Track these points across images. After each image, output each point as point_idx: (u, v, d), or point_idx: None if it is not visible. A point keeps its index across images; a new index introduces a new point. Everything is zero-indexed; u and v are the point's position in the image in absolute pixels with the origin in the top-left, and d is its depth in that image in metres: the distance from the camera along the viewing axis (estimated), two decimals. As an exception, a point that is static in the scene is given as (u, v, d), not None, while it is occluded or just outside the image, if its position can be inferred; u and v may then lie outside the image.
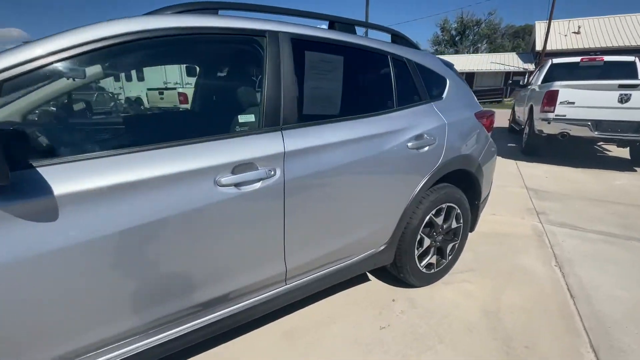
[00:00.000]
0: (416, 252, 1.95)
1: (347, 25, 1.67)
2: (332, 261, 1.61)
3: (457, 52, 42.67)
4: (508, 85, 8.50)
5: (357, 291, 2.07)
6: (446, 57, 28.87)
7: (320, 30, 1.51)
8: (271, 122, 1.30)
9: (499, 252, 2.57)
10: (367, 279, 2.19)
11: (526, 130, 6.16)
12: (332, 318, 1.81)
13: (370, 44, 1.67)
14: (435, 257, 2.09)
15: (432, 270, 2.09)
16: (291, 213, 1.33)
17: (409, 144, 1.68)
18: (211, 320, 1.27)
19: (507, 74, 22.33)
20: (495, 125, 9.47)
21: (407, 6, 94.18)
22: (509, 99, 19.43)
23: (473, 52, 39.08)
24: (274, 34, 1.35)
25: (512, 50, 36.68)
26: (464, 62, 26.04)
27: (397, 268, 1.97)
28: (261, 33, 1.33)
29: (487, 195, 2.45)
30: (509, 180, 4.56)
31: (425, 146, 1.76)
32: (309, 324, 1.77)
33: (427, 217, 1.92)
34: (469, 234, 2.42)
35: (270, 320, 1.77)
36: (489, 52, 32.39)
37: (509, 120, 9.25)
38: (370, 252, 1.77)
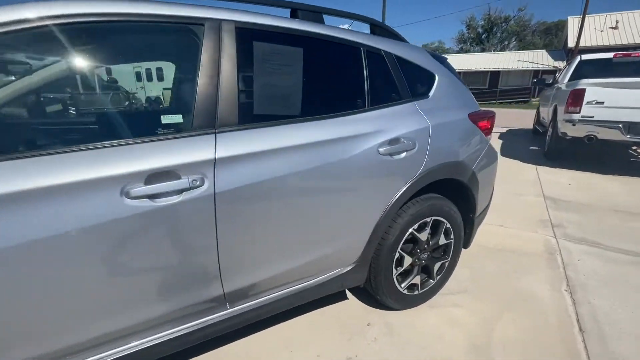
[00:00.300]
0: (394, 271, 1.71)
1: (313, 14, 1.47)
2: (286, 283, 1.41)
3: (483, 50, 41.09)
4: (532, 84, 7.90)
5: (328, 312, 1.85)
6: (472, 56, 27.82)
7: (276, 18, 1.32)
8: (203, 124, 1.12)
9: (500, 271, 2.27)
10: (344, 297, 1.97)
11: (549, 132, 5.67)
12: (289, 345, 1.61)
13: (338, 35, 1.46)
14: (419, 277, 1.84)
15: (416, 292, 1.85)
16: (226, 230, 1.15)
17: (381, 150, 1.45)
18: (127, 352, 1.10)
19: (536, 73, 21.10)
20: (520, 126, 9.00)
21: (430, 4, 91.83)
22: (536, 98, 18.37)
23: (501, 50, 37.44)
24: (214, 23, 1.17)
25: (544, 47, 34.82)
26: (488, 60, 24.96)
27: (373, 289, 1.74)
28: (198, 21, 1.15)
29: (487, 208, 2.16)
30: (525, 187, 4.17)
31: (402, 152, 1.52)
32: (258, 353, 1.57)
33: (408, 233, 1.68)
34: (466, 249, 2.15)
35: (210, 347, 1.58)
36: (518, 50, 30.84)
37: (534, 121, 8.66)
38: (336, 272, 1.55)
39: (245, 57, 1.23)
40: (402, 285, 1.78)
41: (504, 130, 9.61)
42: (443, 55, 2.06)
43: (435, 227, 1.82)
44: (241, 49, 1.21)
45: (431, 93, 1.73)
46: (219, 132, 1.14)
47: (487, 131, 1.96)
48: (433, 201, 1.72)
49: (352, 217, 1.47)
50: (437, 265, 1.91)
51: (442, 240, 1.86)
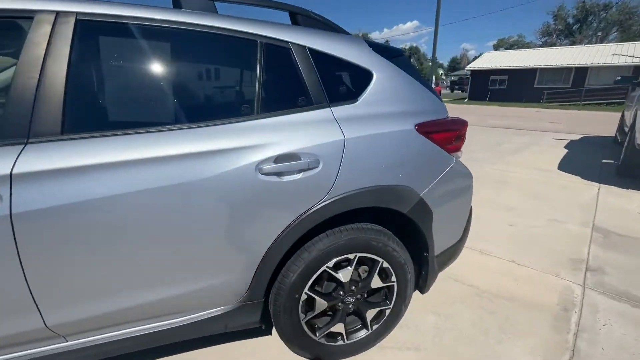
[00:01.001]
0: (302, 315, 1.39)
1: (201, 2, 1.23)
2: (141, 319, 1.20)
3: (573, 43, 35.70)
4: (615, 82, 6.45)
5: (243, 347, 1.60)
6: (552, 50, 24.08)
7: (134, 8, 1.11)
8: (8, 134, 0.97)
9: (479, 326, 1.76)
10: (260, 334, 1.69)
11: (625, 142, 4.52)
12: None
13: (221, 25, 1.19)
14: (342, 324, 1.48)
15: (340, 342, 1.49)
16: (32, 256, 0.98)
17: (264, 167, 1.15)
18: None
19: (637, 69, 17.43)
20: (601, 133, 7.64)
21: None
22: (636, 100, 15.19)
23: (598, 42, 31.97)
24: (47, 15, 1.01)
25: (655, 38, 28.76)
26: (574, 54, 21.51)
27: (278, 334, 1.44)
28: (26, 14, 1.00)
29: (458, 245, 1.67)
30: (570, 212, 3.33)
31: (296, 172, 1.19)
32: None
33: (320, 271, 1.34)
34: (424, 294, 1.71)
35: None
36: (619, 42, 25.92)
37: (617, 128, 7.09)
38: (216, 311, 1.29)
39: (85, 54, 1.05)
40: (318, 333, 1.44)
41: (577, 137, 8.10)
42: (398, 48, 1.63)
43: (366, 266, 1.44)
44: (79, 46, 1.03)
45: (362, 96, 1.35)
46: (31, 143, 0.97)
47: (452, 146, 1.50)
48: (356, 234, 1.35)
49: (226, 249, 1.19)
50: (372, 313, 1.52)
51: (377, 283, 1.47)
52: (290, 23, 1.43)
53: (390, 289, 1.52)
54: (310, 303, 1.40)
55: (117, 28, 1.07)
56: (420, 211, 1.43)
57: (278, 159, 1.17)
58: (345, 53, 1.35)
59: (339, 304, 1.44)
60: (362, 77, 1.37)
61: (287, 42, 1.27)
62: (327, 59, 1.32)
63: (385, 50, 1.47)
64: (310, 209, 1.23)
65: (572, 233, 2.87)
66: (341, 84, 1.36)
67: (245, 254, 1.23)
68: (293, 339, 1.41)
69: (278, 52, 1.26)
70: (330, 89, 1.31)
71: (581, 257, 2.47)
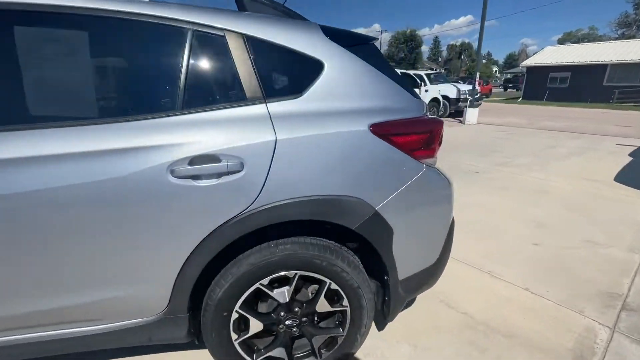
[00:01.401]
0: (234, 335, 1.24)
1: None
2: (46, 324, 1.12)
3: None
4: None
5: (169, 358, 1.50)
6: (625, 43, 20.84)
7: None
8: None
9: (461, 366, 1.47)
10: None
11: None
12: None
13: (148, 11, 1.07)
14: (283, 349, 1.31)
15: (282, 369, 1.32)
16: None
17: (176, 170, 1.02)
18: None
19: None
20: None
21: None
22: None
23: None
24: None
25: None
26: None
27: (210, 353, 1.31)
28: None
29: (433, 269, 1.40)
30: (618, 233, 2.78)
31: (215, 176, 1.05)
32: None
33: (253, 288, 1.19)
34: (388, 322, 1.47)
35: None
36: None
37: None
38: (136, 322, 1.19)
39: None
40: (255, 355, 1.29)
41: (647, 144, 6.92)
42: (365, 35, 1.38)
43: (317, 285, 1.26)
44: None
45: (308, 90, 1.16)
46: None
47: (421, 151, 1.24)
48: (296, 249, 1.17)
49: (137, 257, 1.08)
50: (319, 339, 1.33)
51: (325, 306, 1.27)
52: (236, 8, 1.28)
53: (343, 314, 1.31)
54: (242, 323, 1.25)
55: (27, 16, 1.01)
56: (375, 228, 1.20)
57: (193, 160, 1.03)
58: (292, 41, 1.17)
59: (280, 326, 1.28)
60: (310, 69, 1.17)
61: (222, 30, 1.12)
62: (269, 48, 1.15)
63: (345, 37, 1.25)
64: (232, 218, 1.08)
65: (614, 259, 2.37)
66: (284, 76, 1.19)
67: (159, 265, 1.11)
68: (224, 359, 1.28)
69: (210, 41, 1.12)
70: (269, 82, 1.14)
71: (618, 291, 2.01)
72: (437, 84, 12.09)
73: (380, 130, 1.17)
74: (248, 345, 1.30)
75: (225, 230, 1.09)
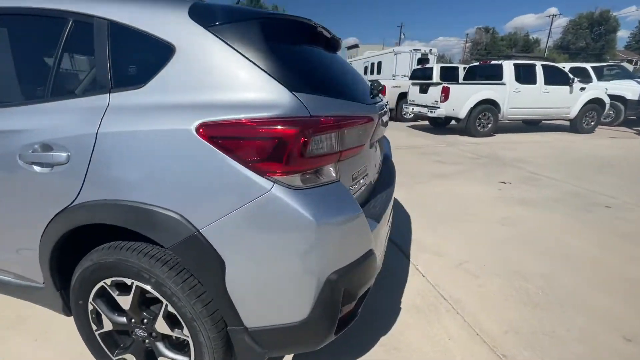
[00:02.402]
0: (92, 325, 1.24)
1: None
2: None
3: None
4: None
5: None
6: None
7: None
8: None
9: None
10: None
11: None
12: None
13: (29, 4, 1.13)
14: (133, 356, 1.22)
15: (137, 377, 1.25)
16: None
17: (22, 154, 1.06)
18: None
19: None
20: None
21: None
22: None
23: None
24: None
25: None
26: None
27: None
28: None
29: (299, 329, 1.00)
30: None
31: (49, 165, 1.04)
32: None
33: (99, 285, 1.15)
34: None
35: None
36: None
37: None
38: (26, 283, 1.33)
39: None
40: (115, 351, 1.26)
41: None
42: (250, 9, 1.04)
43: (151, 302, 1.12)
44: None
45: (153, 79, 0.98)
46: None
47: (268, 163, 0.88)
48: (127, 256, 1.05)
49: (6, 233, 1.20)
50: (166, 361, 1.18)
51: (165, 329, 1.11)
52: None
53: (188, 344, 1.12)
54: (97, 316, 1.23)
55: None
56: (197, 253, 0.95)
57: (35, 147, 1.06)
58: (147, 23, 1.03)
59: (132, 332, 1.20)
60: (160, 54, 1.00)
61: (92, 17, 1.09)
62: (128, 33, 1.04)
63: (213, 15, 1.01)
64: (63, 210, 1.06)
65: None
66: (134, 64, 1.06)
67: (24, 243, 1.20)
68: (89, 346, 1.29)
69: (83, 30, 1.10)
70: (120, 71, 1.05)
71: None
72: (610, 80, 8.97)
73: (210, 131, 0.90)
74: (115, 340, 1.28)
75: (59, 220, 1.08)
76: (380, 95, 1.80)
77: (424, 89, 8.22)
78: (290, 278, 0.96)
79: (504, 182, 4.11)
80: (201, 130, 0.91)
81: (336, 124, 0.99)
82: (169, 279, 1.02)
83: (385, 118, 1.74)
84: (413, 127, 9.53)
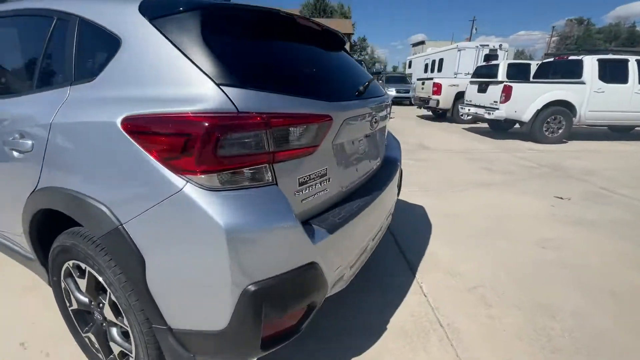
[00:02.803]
0: (66, 302, 1.33)
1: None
2: None
3: None
4: None
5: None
6: None
7: None
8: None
9: None
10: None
11: None
12: None
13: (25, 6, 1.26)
14: (94, 336, 1.28)
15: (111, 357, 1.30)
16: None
17: (9, 140, 1.19)
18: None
19: None
20: None
21: None
22: None
23: None
24: None
25: None
26: None
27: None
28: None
29: (219, 336, 0.93)
30: None
31: (20, 150, 1.13)
32: None
33: (65, 266, 1.24)
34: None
35: None
36: None
37: None
38: (25, 254, 1.48)
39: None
40: (85, 328, 1.34)
41: None
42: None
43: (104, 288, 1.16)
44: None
45: (102, 73, 1.00)
46: None
47: (180, 161, 0.83)
48: (78, 241, 1.10)
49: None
50: (116, 347, 1.22)
51: (111, 316, 1.14)
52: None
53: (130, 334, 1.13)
54: (68, 295, 1.32)
55: None
56: (120, 247, 0.94)
57: (16, 134, 1.16)
58: (102, 16, 1.06)
59: (93, 314, 1.26)
60: (111, 47, 1.02)
61: (70, 15, 1.16)
62: (88, 27, 1.10)
63: (156, 7, 0.99)
64: (31, 193, 1.15)
65: None
66: (91, 57, 1.10)
67: (16, 217, 1.32)
68: (65, 320, 1.39)
69: (62, 26, 1.18)
70: (80, 64, 1.10)
71: None
72: None
73: (131, 125, 0.89)
74: (85, 319, 1.36)
75: (30, 201, 1.17)
76: (377, 91, 1.64)
77: (482, 88, 7.46)
78: (205, 284, 0.90)
79: (560, 198, 3.51)
80: (124, 124, 0.90)
81: (266, 121, 0.90)
82: (108, 268, 1.04)
83: (381, 115, 1.58)
84: (470, 129, 8.72)
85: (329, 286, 1.14)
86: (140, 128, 0.88)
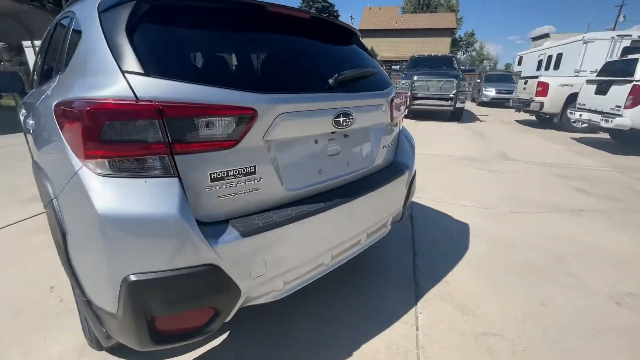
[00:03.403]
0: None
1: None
2: None
3: None
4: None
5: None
6: None
7: None
8: None
9: None
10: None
11: None
12: None
13: None
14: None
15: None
16: None
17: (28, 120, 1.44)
18: None
19: None
20: None
21: None
22: None
23: None
24: None
25: None
26: None
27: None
28: None
29: (114, 320, 0.94)
30: None
31: (29, 130, 1.37)
32: None
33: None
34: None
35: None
36: None
37: None
38: None
39: None
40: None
41: None
42: None
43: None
44: None
45: (70, 63, 1.13)
46: None
47: (83, 145, 0.86)
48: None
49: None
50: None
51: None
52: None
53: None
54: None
55: None
56: (52, 219, 1.04)
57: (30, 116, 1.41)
58: (80, 11, 1.19)
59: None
60: (77, 39, 1.14)
61: (71, 12, 1.35)
62: (76, 22, 1.24)
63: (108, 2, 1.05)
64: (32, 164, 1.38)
65: None
66: (71, 49, 1.22)
67: None
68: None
69: (70, 23, 1.38)
70: (67, 56, 1.25)
71: None
72: None
73: (57, 109, 0.97)
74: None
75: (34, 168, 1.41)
76: (370, 86, 1.44)
77: (602, 89, 5.91)
78: (94, 266, 0.93)
79: (681, 241, 2.54)
80: (55, 108, 0.99)
81: (161, 110, 0.86)
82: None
83: (367, 112, 1.39)
84: (581, 140, 7.06)
85: (244, 294, 1.05)
86: (59, 112, 0.98)
